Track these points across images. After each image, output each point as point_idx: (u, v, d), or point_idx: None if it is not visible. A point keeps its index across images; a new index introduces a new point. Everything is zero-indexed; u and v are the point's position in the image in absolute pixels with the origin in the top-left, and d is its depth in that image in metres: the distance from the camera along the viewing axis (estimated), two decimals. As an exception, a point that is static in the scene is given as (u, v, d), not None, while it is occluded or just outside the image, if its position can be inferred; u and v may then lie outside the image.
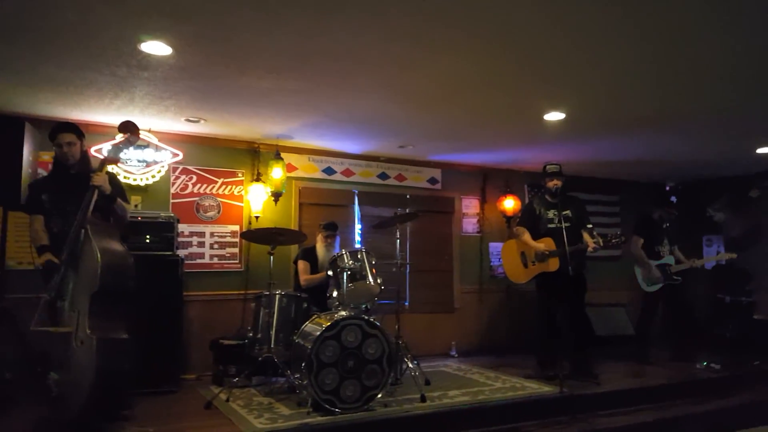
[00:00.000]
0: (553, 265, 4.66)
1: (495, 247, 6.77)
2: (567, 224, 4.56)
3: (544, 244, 4.72)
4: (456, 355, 6.11)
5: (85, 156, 3.66)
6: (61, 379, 3.11)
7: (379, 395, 3.71)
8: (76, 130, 3.61)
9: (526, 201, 6.89)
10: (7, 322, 3.85)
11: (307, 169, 5.91)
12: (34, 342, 3.31)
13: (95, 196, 3.33)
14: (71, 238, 3.25)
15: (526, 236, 4.86)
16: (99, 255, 3.13)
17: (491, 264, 6.77)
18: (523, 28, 3.12)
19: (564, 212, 4.72)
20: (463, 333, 6.41)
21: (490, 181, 6.87)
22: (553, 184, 4.81)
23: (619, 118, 4.84)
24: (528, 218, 5.01)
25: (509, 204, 6.75)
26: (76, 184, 3.40)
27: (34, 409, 3.40)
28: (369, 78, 3.93)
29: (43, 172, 4.40)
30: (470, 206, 6.80)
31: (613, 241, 4.53)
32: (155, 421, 3.42)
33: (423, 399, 3.87)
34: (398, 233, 4.78)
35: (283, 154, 5.57)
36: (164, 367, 4.27)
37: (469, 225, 6.77)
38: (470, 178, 6.80)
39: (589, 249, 4.52)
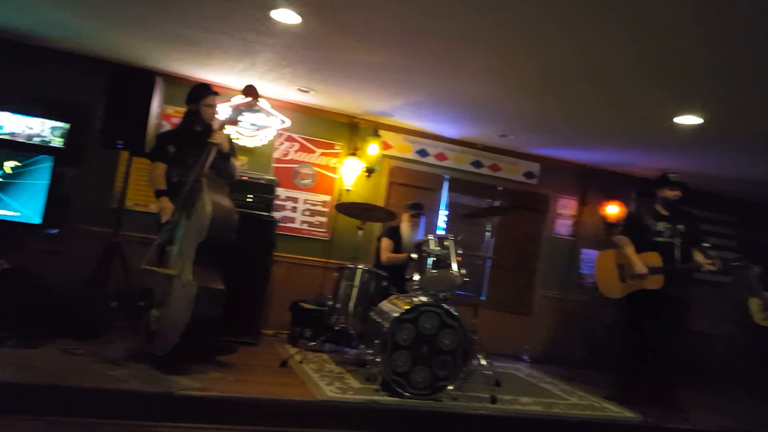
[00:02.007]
0: (654, 283, 4.27)
1: (587, 254, 6.43)
2: (679, 240, 4.21)
3: (648, 259, 4.39)
4: (527, 360, 5.94)
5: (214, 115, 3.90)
6: (160, 317, 3.39)
7: (450, 387, 3.69)
8: (218, 93, 3.87)
9: (632, 209, 6.44)
10: (118, 257, 4.24)
11: (401, 148, 5.92)
12: (140, 279, 3.62)
13: (213, 153, 3.55)
14: (187, 189, 3.49)
15: (630, 249, 4.45)
16: (210, 208, 3.35)
17: (580, 271, 6.44)
18: (661, 16, 2.84)
19: (678, 226, 4.34)
20: (538, 338, 6.21)
21: (592, 183, 6.48)
22: (674, 194, 4.41)
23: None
24: (633, 228, 4.60)
25: (613, 210, 6.33)
26: (198, 140, 3.63)
27: (133, 339, 3.75)
28: (480, 61, 3.83)
29: (166, 125, 4.74)
30: (567, 207, 6.49)
31: (733, 264, 4.13)
32: (235, 371, 3.62)
33: (493, 400, 3.81)
34: (489, 226, 4.67)
35: (380, 132, 5.61)
36: (248, 319, 4.51)
37: (563, 227, 6.48)
38: (571, 176, 6.44)
39: (704, 269, 4.14)
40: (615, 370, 4.78)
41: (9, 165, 4.32)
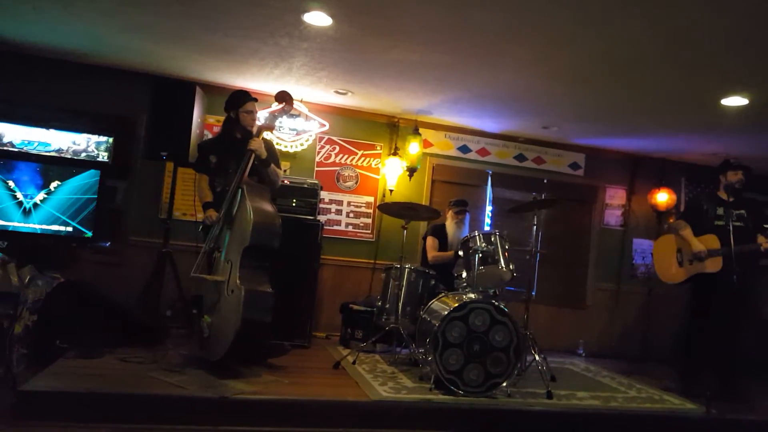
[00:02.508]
0: (713, 265, 4.16)
1: (639, 243, 6.25)
2: (739, 223, 4.05)
3: (706, 242, 4.25)
4: (583, 354, 5.79)
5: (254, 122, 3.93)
6: (212, 323, 3.44)
7: (504, 384, 3.62)
8: (257, 100, 3.90)
9: (683, 195, 6.26)
10: (169, 266, 4.34)
11: (443, 146, 5.86)
12: (191, 287, 3.68)
13: (252, 160, 3.59)
14: (229, 196, 3.54)
15: (687, 231, 4.37)
16: (252, 214, 3.38)
17: (633, 262, 6.25)
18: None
19: (738, 211, 4.18)
20: (593, 332, 6.04)
21: (640, 171, 6.30)
22: (737, 177, 4.28)
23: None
24: (691, 213, 4.55)
25: (662, 197, 6.14)
26: (239, 148, 3.67)
27: (187, 345, 3.82)
28: (518, 53, 3.76)
29: (207, 134, 4.83)
30: (615, 197, 6.31)
31: None
32: (289, 374, 3.64)
33: (549, 396, 3.71)
34: (535, 220, 4.56)
35: (420, 130, 5.57)
36: (299, 322, 4.55)
37: (612, 217, 6.30)
38: (617, 165, 6.28)
39: (763, 247, 3.97)
40: (675, 361, 4.61)
41: (56, 182, 4.48)
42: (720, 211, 4.29)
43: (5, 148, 4.61)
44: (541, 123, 5.47)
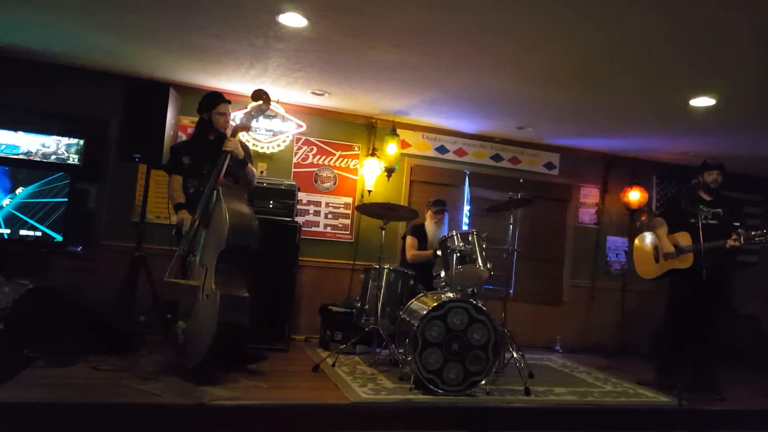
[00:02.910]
0: (685, 261, 4.28)
1: (613, 241, 6.37)
2: (713, 222, 4.19)
3: (678, 239, 4.35)
4: (560, 351, 5.86)
5: (227, 123, 3.87)
6: (188, 328, 3.38)
7: (483, 382, 3.65)
8: (230, 101, 3.85)
9: (654, 193, 6.41)
10: (142, 271, 4.25)
11: (420, 146, 5.88)
12: (165, 291, 3.61)
13: (228, 161, 3.54)
14: (204, 198, 3.48)
15: (662, 230, 4.49)
16: (228, 216, 3.32)
17: (607, 259, 6.37)
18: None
19: (715, 210, 4.31)
20: (570, 328, 6.12)
21: (613, 170, 6.42)
22: (712, 177, 4.37)
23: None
24: (669, 211, 4.67)
25: (635, 196, 6.27)
26: (213, 149, 3.62)
27: (163, 351, 3.75)
28: (494, 54, 3.79)
29: (182, 136, 4.75)
30: (589, 195, 6.41)
31: (757, 239, 3.96)
32: (268, 378, 3.60)
33: (527, 392, 3.75)
34: (512, 218, 4.61)
35: (398, 131, 5.58)
36: (277, 326, 4.50)
37: (587, 215, 6.40)
38: (591, 164, 6.39)
39: (728, 245, 4.06)
40: (650, 355, 4.71)
41: (25, 186, 4.36)
42: (696, 210, 4.39)
43: (-31, 151, 4.46)
44: (516, 123, 5.52)
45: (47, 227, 4.37)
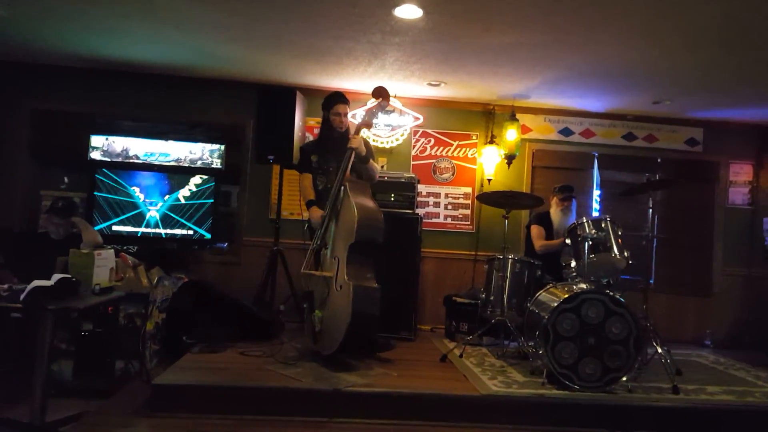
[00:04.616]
0: None
1: (772, 223, 5.64)
2: None
3: None
4: (711, 346, 5.33)
5: (347, 122, 4.01)
6: (323, 317, 3.55)
7: (624, 378, 3.41)
8: (348, 101, 3.98)
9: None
10: (280, 264, 4.56)
11: (542, 130, 5.64)
12: (302, 282, 3.83)
13: (353, 158, 3.66)
14: (333, 194, 3.64)
15: None
16: (356, 210, 3.44)
17: (765, 243, 5.64)
18: None
19: None
20: (721, 321, 5.55)
21: (769, 143, 5.68)
22: None
23: None
24: None
25: (797, 171, 5.49)
26: (338, 147, 3.77)
27: (301, 339, 3.99)
28: (621, 25, 3.51)
29: (309, 136, 5.01)
30: (740, 173, 5.74)
31: None
32: (397, 366, 3.68)
33: (675, 390, 3.45)
34: (650, 202, 4.24)
35: (517, 115, 5.39)
36: (404, 316, 4.58)
37: (738, 195, 5.73)
38: (741, 138, 5.72)
39: None
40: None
41: (177, 189, 4.85)
42: None
43: (132, 160, 5.07)
44: (652, 98, 5.09)
45: (197, 226, 4.85)
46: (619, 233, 3.90)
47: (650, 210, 4.20)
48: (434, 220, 5.48)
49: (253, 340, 4.00)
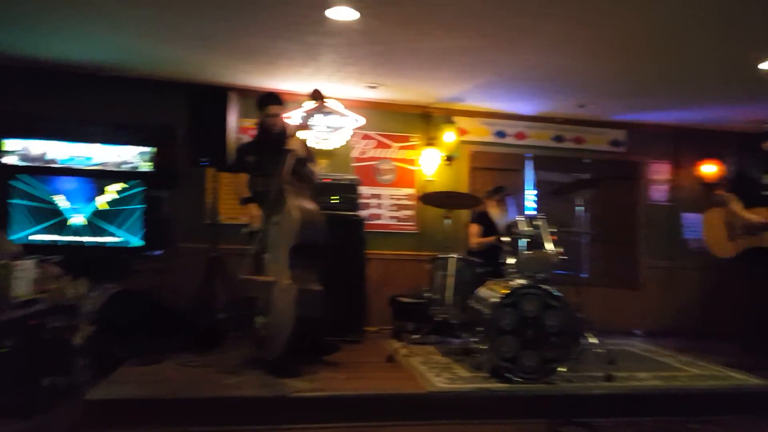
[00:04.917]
0: (765, 239, 4.00)
1: (689, 218, 6.05)
2: None
3: (760, 215, 4.05)
4: (640, 335, 5.66)
5: (282, 122, 3.94)
6: (266, 323, 3.47)
7: (561, 369, 3.55)
8: (281, 101, 3.89)
9: (730, 165, 6.03)
10: (220, 270, 4.41)
11: (479, 132, 5.79)
12: (242, 288, 3.73)
13: (291, 160, 3.60)
14: (272, 197, 3.56)
15: (736, 204, 4.22)
16: (296, 213, 3.39)
17: (684, 237, 6.05)
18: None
19: None
20: (649, 311, 5.89)
21: (684, 144, 6.10)
22: None
23: None
24: (739, 184, 4.36)
25: (709, 169, 5.96)
26: (275, 148, 3.69)
27: (243, 346, 3.87)
28: (551, 31, 3.68)
29: (245, 138, 4.88)
30: (659, 171, 6.14)
31: None
32: (344, 369, 3.65)
33: (609, 378, 3.63)
34: (579, 200, 4.45)
35: (455, 118, 5.53)
36: (350, 318, 4.57)
37: (658, 193, 6.11)
38: (661, 139, 6.10)
39: None
40: (737, 335, 4.45)
41: (103, 195, 4.59)
42: (767, 179, 4.10)
43: (50, 165, 4.74)
44: (578, 101, 5.35)
45: (127, 233, 4.61)
46: (553, 230, 4.06)
47: (579, 208, 4.40)
48: (378, 222, 5.49)
49: (193, 351, 3.85)
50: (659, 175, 6.14)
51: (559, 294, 3.63)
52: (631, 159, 6.06)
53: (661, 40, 3.76)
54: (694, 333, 5.57)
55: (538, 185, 5.80)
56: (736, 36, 3.63)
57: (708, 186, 5.99)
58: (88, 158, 4.88)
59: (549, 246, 3.99)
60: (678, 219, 6.09)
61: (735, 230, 4.29)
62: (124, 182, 4.65)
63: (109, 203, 4.60)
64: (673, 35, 3.67)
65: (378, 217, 5.52)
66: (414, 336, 4.34)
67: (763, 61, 3.98)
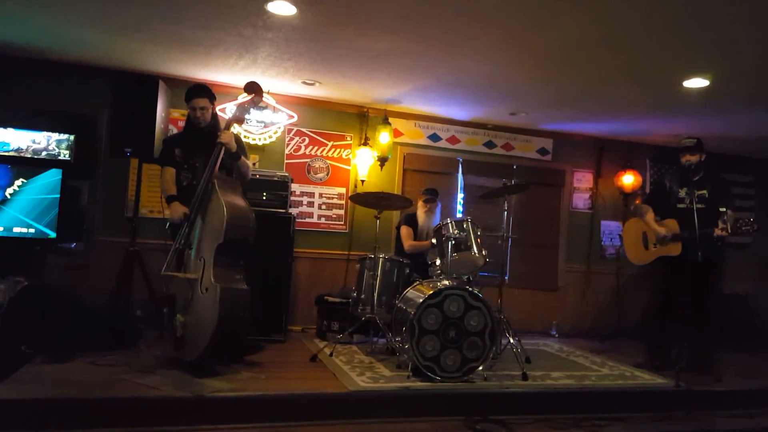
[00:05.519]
0: (674, 249, 4.27)
1: (607, 225, 6.41)
2: (700, 205, 4.08)
3: (666, 227, 4.34)
4: (556, 335, 5.91)
5: (214, 116, 3.83)
6: (186, 322, 3.37)
7: (480, 368, 3.67)
8: (210, 94, 3.76)
9: (648, 176, 6.44)
10: (138, 266, 4.24)
11: (413, 135, 5.87)
12: (162, 285, 3.60)
13: (222, 153, 3.51)
14: (200, 191, 3.46)
15: (649, 216, 4.47)
16: (225, 209, 3.31)
17: (602, 243, 6.40)
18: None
19: (700, 192, 4.23)
20: (565, 313, 6.18)
21: (606, 154, 6.44)
22: (685, 159, 4.34)
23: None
24: (655, 196, 4.63)
25: (628, 180, 6.29)
26: (205, 142, 3.59)
27: (160, 345, 3.74)
28: (484, 40, 3.78)
29: (173, 129, 4.72)
30: (582, 180, 6.43)
31: (743, 228, 3.96)
32: (266, 369, 3.61)
33: (524, 377, 3.78)
34: (506, 205, 4.61)
35: (390, 119, 5.56)
36: (274, 317, 4.51)
37: (580, 200, 6.42)
38: (584, 149, 6.41)
39: (715, 234, 4.03)
40: (644, 338, 4.74)
41: (17, 183, 4.32)
42: (682, 193, 4.37)
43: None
44: (509, 109, 5.52)
45: (41, 224, 4.34)
46: (479, 233, 4.19)
47: (505, 212, 4.55)
48: (308, 220, 5.46)
49: (106, 349, 3.66)
50: (582, 184, 6.44)
51: (481, 295, 3.74)
52: (556, 167, 6.32)
53: (587, 54, 3.93)
54: (608, 334, 5.85)
55: (467, 189, 5.95)
56: (659, 55, 3.84)
57: (626, 195, 6.37)
58: (3, 144, 4.56)
59: (474, 249, 4.11)
60: (598, 226, 6.41)
61: (649, 240, 4.53)
62: (40, 170, 4.37)
63: (23, 192, 4.31)
64: (599, 51, 3.85)
65: (309, 215, 5.48)
66: (339, 335, 4.34)
67: (687, 78, 4.23)
